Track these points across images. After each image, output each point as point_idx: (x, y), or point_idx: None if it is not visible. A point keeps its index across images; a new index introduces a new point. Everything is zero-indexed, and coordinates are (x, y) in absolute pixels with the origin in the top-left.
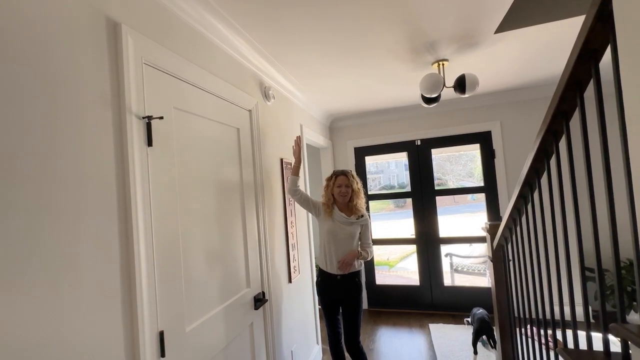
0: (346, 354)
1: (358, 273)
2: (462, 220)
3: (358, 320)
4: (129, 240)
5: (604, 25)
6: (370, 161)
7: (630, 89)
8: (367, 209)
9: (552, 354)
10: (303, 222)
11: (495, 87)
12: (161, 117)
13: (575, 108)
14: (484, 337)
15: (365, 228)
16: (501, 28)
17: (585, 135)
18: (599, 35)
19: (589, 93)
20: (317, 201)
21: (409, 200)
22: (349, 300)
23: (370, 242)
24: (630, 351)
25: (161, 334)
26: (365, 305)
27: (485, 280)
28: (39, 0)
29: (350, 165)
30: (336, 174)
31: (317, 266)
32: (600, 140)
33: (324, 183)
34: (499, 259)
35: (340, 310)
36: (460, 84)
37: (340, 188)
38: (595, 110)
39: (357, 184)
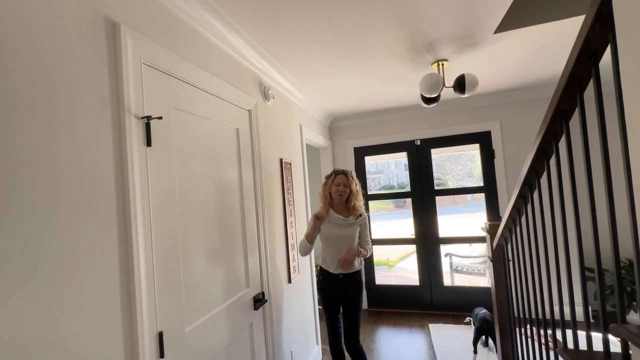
0: (346, 354)
1: (359, 272)
2: (462, 220)
3: (358, 319)
4: (128, 241)
5: (604, 25)
6: (369, 161)
7: (630, 88)
8: (367, 209)
9: (551, 354)
10: (303, 223)
11: (494, 87)
12: (160, 117)
13: (575, 108)
14: (484, 336)
15: (364, 227)
16: (501, 28)
17: (585, 135)
18: (599, 35)
19: (589, 93)
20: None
21: (409, 200)
22: (350, 299)
23: (369, 239)
24: (630, 351)
25: (160, 334)
26: (365, 305)
27: (484, 280)
28: (36, 1)
29: (350, 165)
30: (336, 172)
31: (317, 266)
32: (600, 140)
33: (323, 181)
34: (498, 259)
35: (341, 310)
36: (460, 84)
37: (339, 187)
38: (595, 110)
39: (356, 186)
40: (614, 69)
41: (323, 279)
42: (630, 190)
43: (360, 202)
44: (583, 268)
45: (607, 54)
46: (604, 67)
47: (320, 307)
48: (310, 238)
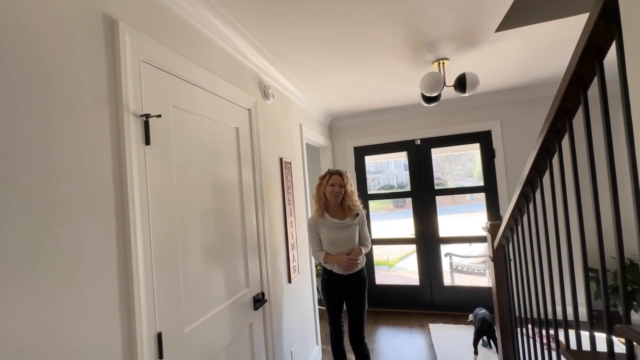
0: (347, 355)
1: (363, 269)
2: (462, 220)
3: (364, 316)
4: (127, 240)
5: (609, 21)
6: (369, 161)
7: (636, 85)
8: (367, 208)
9: (553, 354)
10: (303, 222)
11: (495, 86)
12: (159, 116)
13: (578, 106)
14: (485, 337)
15: (362, 224)
16: (502, 27)
17: (589, 133)
18: (604, 32)
19: (593, 91)
20: (311, 226)
21: (409, 200)
22: (356, 297)
23: (368, 235)
24: (636, 352)
25: (159, 335)
26: None
27: (485, 280)
28: None
29: (349, 165)
30: (330, 173)
31: (317, 266)
32: (605, 139)
33: (317, 182)
34: (499, 258)
35: (345, 308)
36: (461, 83)
37: (333, 187)
38: (599, 109)
39: (351, 186)
40: (619, 66)
41: (328, 278)
42: (636, 190)
43: (356, 201)
44: (586, 268)
45: (612, 51)
46: (608, 66)
47: (322, 307)
48: (326, 261)
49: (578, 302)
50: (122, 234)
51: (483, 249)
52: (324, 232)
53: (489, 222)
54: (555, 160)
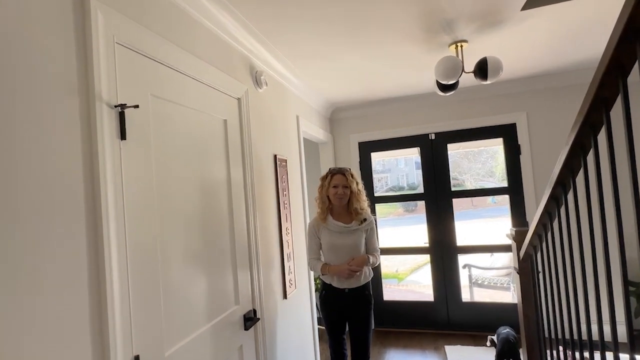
0: None
1: (368, 285)
2: (482, 226)
3: (369, 339)
4: (99, 250)
5: None
6: (376, 158)
7: None
8: (373, 213)
9: None
10: (300, 229)
11: (521, 73)
12: (136, 106)
13: (617, 95)
14: None
15: (371, 232)
16: (529, 4)
17: (628, 126)
18: None
19: (633, 78)
20: (311, 229)
21: (421, 204)
22: (359, 317)
23: (377, 246)
24: None
25: (136, 358)
26: None
27: (509, 295)
28: None
29: (353, 162)
30: (332, 173)
31: (316, 279)
32: None
33: (319, 183)
34: (526, 270)
35: (347, 329)
36: (482, 69)
37: (337, 189)
38: None
39: (357, 185)
40: None
41: (326, 293)
42: None
43: (363, 203)
44: (626, 280)
45: None
46: None
47: (321, 327)
48: (324, 270)
49: (616, 320)
50: (94, 243)
51: (507, 259)
52: (325, 237)
53: (514, 229)
54: (590, 157)
